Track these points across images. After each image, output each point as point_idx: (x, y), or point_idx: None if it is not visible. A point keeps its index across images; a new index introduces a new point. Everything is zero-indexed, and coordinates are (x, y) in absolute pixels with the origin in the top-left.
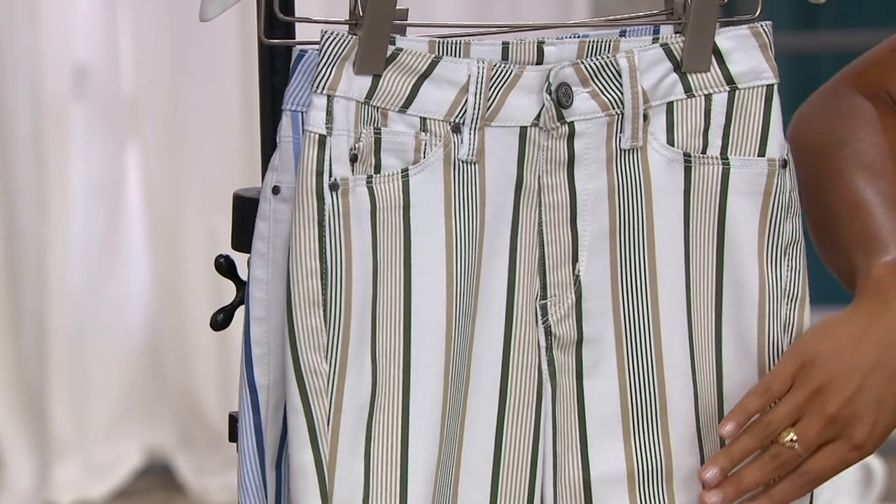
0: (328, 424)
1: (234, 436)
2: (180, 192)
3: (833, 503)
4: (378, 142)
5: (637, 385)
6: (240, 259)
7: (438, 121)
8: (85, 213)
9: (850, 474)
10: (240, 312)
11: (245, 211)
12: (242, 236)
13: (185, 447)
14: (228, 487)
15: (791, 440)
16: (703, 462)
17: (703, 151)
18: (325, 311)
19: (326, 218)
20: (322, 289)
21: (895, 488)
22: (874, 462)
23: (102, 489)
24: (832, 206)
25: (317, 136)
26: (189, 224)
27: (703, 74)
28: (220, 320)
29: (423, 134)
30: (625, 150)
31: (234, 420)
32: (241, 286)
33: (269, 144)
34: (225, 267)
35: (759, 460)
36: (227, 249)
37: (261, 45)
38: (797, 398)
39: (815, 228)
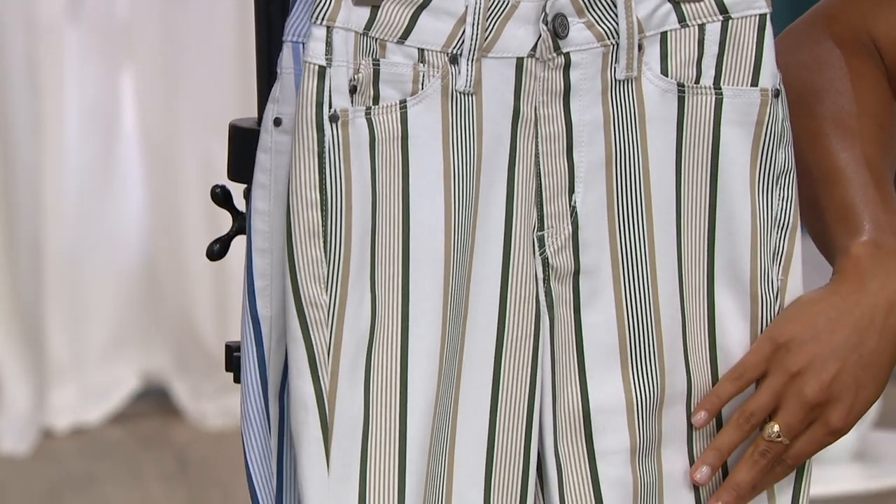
0: (328, 355)
1: (230, 366)
2: (175, 118)
3: None
4: (377, 73)
5: (634, 315)
6: (236, 189)
7: (436, 52)
8: (80, 139)
9: None
10: (237, 242)
11: (241, 141)
12: (239, 167)
13: (181, 372)
14: (225, 412)
15: (777, 433)
16: (689, 392)
17: (697, 81)
18: (325, 242)
19: (326, 149)
20: (322, 220)
21: (887, 415)
22: None
23: (99, 413)
24: (810, 169)
25: (316, 67)
26: (184, 149)
27: (697, 4)
28: (217, 250)
29: (421, 65)
30: (620, 81)
31: (230, 350)
32: (237, 216)
33: (264, 74)
34: (221, 197)
35: (750, 459)
36: (223, 175)
37: None
38: (775, 384)
39: None
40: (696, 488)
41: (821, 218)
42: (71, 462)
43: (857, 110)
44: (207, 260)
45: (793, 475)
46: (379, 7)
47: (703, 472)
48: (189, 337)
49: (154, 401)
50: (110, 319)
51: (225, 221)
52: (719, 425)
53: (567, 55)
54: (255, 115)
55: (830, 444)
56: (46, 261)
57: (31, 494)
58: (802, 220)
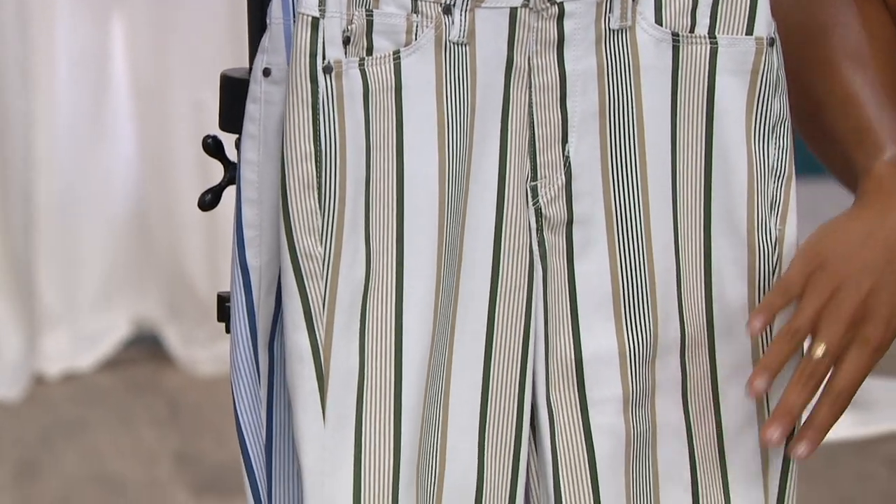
0: (323, 307)
1: (222, 316)
2: (166, 66)
3: None
4: (370, 24)
5: (627, 265)
6: (227, 139)
7: (429, 2)
8: (71, 87)
9: None
10: (228, 193)
11: (233, 91)
12: (230, 117)
13: (173, 318)
14: (217, 359)
15: (821, 352)
16: (683, 342)
17: (692, 31)
18: (319, 194)
19: (320, 101)
20: (316, 172)
21: (878, 362)
22: None
23: (90, 359)
24: (821, 99)
25: (309, 18)
26: (175, 97)
27: None
28: (209, 201)
29: (415, 16)
30: (614, 31)
31: (222, 300)
32: (229, 166)
33: (256, 24)
34: (212, 147)
35: (798, 383)
36: (214, 123)
37: None
38: (815, 303)
39: (801, 119)
40: (689, 438)
41: (838, 145)
42: (62, 408)
43: (867, 40)
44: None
45: (779, 465)
46: None
47: (758, 384)
48: (180, 284)
49: (145, 347)
50: (101, 266)
51: (216, 170)
52: (715, 401)
53: (561, 5)
54: (248, 65)
55: (875, 363)
56: (37, 208)
57: (23, 440)
58: (817, 153)
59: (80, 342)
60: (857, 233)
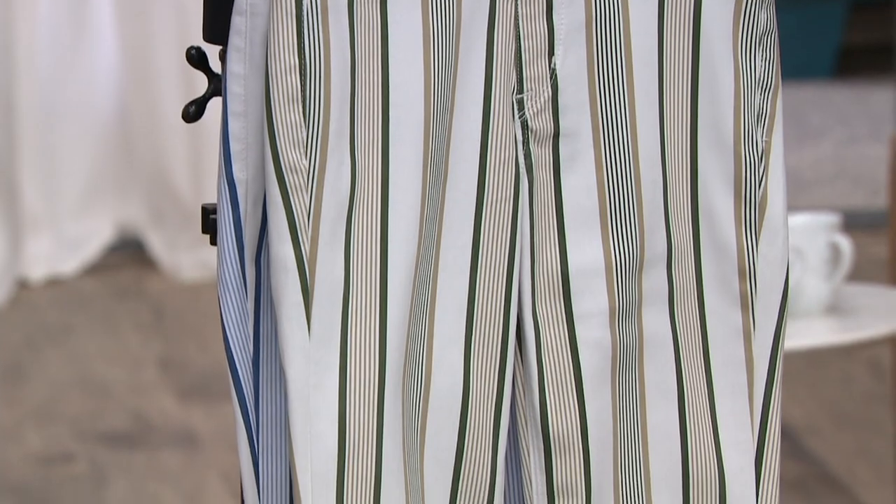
0: (308, 219)
1: (206, 228)
2: None
3: (800, 284)
4: None
5: (614, 178)
6: (211, 50)
7: None
8: None
9: (817, 253)
10: (212, 104)
11: (217, 1)
12: (215, 28)
13: (156, 223)
14: (200, 264)
15: None
16: (670, 254)
17: None
18: (304, 106)
19: (304, 13)
20: (301, 84)
21: (860, 268)
22: (842, 240)
23: (74, 264)
24: None
25: None
26: (158, 5)
27: None
28: (193, 112)
29: None
30: None
31: (206, 211)
32: (213, 78)
33: None
34: (196, 58)
35: None
36: (197, 29)
37: None
38: None
39: None
40: (675, 350)
41: None
42: (47, 312)
43: None
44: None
45: (765, 374)
46: None
47: None
48: (164, 189)
49: (129, 252)
50: (84, 171)
51: (200, 77)
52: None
53: None
54: None
55: None
56: (20, 113)
57: (8, 343)
58: None
59: (64, 247)
60: None
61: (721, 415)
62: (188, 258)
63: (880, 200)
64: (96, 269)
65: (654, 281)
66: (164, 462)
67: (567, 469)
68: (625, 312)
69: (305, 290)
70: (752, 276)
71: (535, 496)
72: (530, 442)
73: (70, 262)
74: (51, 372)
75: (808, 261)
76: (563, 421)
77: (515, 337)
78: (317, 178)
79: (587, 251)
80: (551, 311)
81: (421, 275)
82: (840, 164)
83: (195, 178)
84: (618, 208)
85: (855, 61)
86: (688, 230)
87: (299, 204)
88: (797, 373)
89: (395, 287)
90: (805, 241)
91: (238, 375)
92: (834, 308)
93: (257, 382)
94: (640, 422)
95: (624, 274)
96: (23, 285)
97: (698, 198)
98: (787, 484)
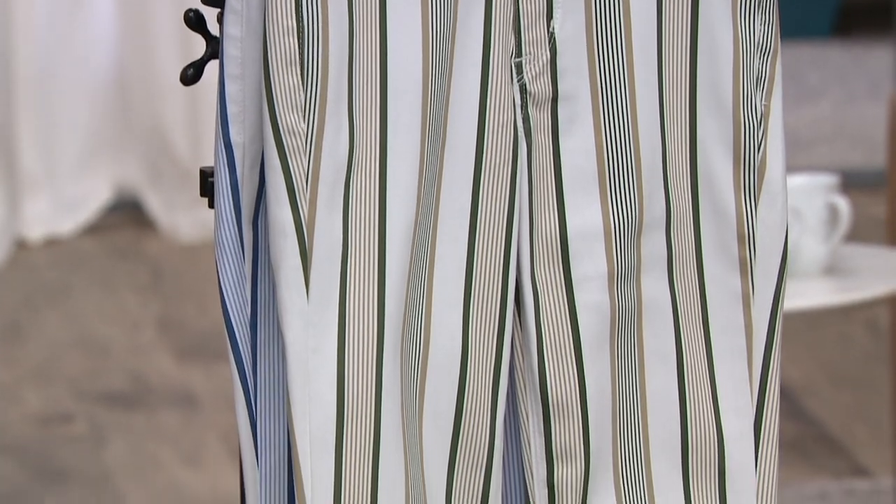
0: (307, 183)
1: (205, 190)
2: None
3: (798, 245)
4: None
5: (613, 142)
6: (209, 13)
7: None
8: None
9: (815, 214)
10: (211, 66)
11: None
12: None
13: (154, 183)
14: (198, 224)
15: None
16: (669, 217)
17: None
18: (301, 69)
19: None
20: (299, 47)
21: (858, 228)
22: (840, 201)
23: (72, 224)
24: None
25: None
26: None
27: None
28: (190, 75)
29: None
30: None
31: (205, 175)
32: (211, 40)
33: None
34: (194, 20)
35: None
36: None
37: None
38: None
39: None
40: (674, 315)
41: None
42: (45, 272)
43: None
44: (179, 71)
45: (764, 338)
46: None
47: None
48: (162, 150)
49: (127, 213)
50: (82, 132)
51: (197, 39)
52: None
53: None
54: None
55: None
56: (17, 73)
57: (7, 303)
58: None
59: (62, 207)
60: None
61: (720, 380)
62: (186, 219)
63: (879, 160)
64: (94, 229)
65: (653, 246)
66: (163, 422)
67: (566, 433)
68: (624, 277)
69: (304, 254)
70: (752, 240)
71: (533, 459)
72: (529, 406)
73: (68, 223)
74: (49, 332)
75: (806, 222)
76: (561, 385)
77: (514, 301)
78: (315, 141)
79: (586, 215)
80: (550, 275)
81: (419, 238)
82: (838, 124)
83: (193, 139)
84: (617, 172)
85: (853, 20)
86: (687, 195)
87: (298, 167)
88: (795, 333)
89: (393, 250)
90: (803, 202)
91: (236, 338)
92: (832, 269)
93: (255, 345)
94: (640, 386)
95: (623, 238)
96: (21, 245)
97: (697, 162)
98: (784, 444)
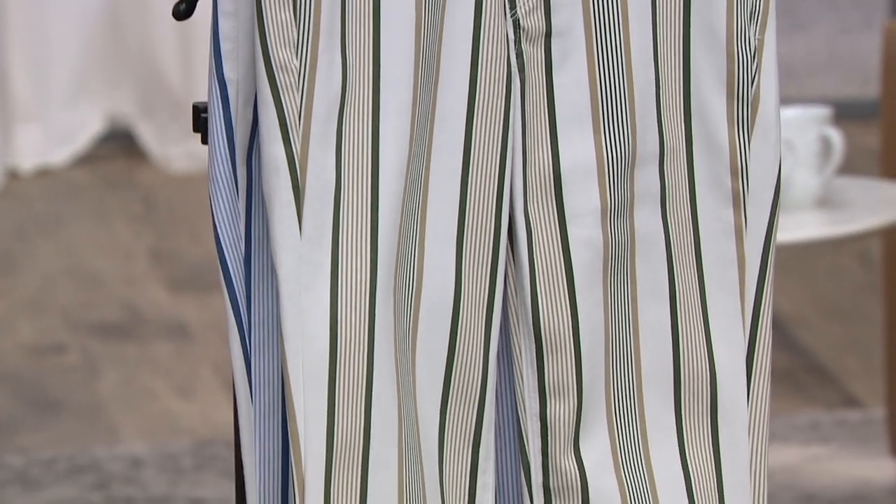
0: (299, 119)
1: (197, 126)
2: None
3: (791, 177)
4: None
5: (606, 77)
6: None
7: None
8: None
9: (808, 146)
10: (204, 3)
11: None
12: None
13: (146, 114)
14: (190, 155)
15: None
16: (662, 152)
17: None
18: (294, 6)
19: None
20: None
21: (850, 160)
22: (832, 133)
23: (64, 154)
24: None
25: None
26: None
27: None
28: (183, 10)
29: None
30: None
31: (197, 110)
32: None
33: None
34: None
35: None
36: None
37: None
38: None
39: None
40: (667, 248)
41: None
42: (37, 203)
43: None
44: (171, 1)
45: (756, 273)
46: None
47: None
48: (154, 81)
49: (119, 143)
50: (74, 63)
51: None
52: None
53: None
54: None
55: None
56: (9, 3)
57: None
58: None
59: (54, 138)
60: None
61: (713, 313)
62: (178, 149)
63: (872, 90)
64: (86, 159)
65: (646, 180)
66: (156, 353)
67: (558, 367)
68: (617, 211)
69: (297, 190)
70: (745, 174)
71: (526, 394)
72: (522, 340)
73: (60, 153)
74: (42, 263)
75: (799, 154)
76: (554, 320)
77: (507, 236)
78: (308, 77)
79: (579, 150)
80: (543, 210)
81: (412, 174)
82: (832, 54)
83: (186, 70)
84: (610, 107)
85: None
86: (680, 129)
87: (290, 103)
88: (787, 265)
89: (386, 187)
90: (796, 134)
91: (229, 274)
92: (824, 201)
93: (249, 281)
94: (632, 321)
95: (616, 173)
96: (13, 176)
97: (691, 97)
98: (776, 375)
